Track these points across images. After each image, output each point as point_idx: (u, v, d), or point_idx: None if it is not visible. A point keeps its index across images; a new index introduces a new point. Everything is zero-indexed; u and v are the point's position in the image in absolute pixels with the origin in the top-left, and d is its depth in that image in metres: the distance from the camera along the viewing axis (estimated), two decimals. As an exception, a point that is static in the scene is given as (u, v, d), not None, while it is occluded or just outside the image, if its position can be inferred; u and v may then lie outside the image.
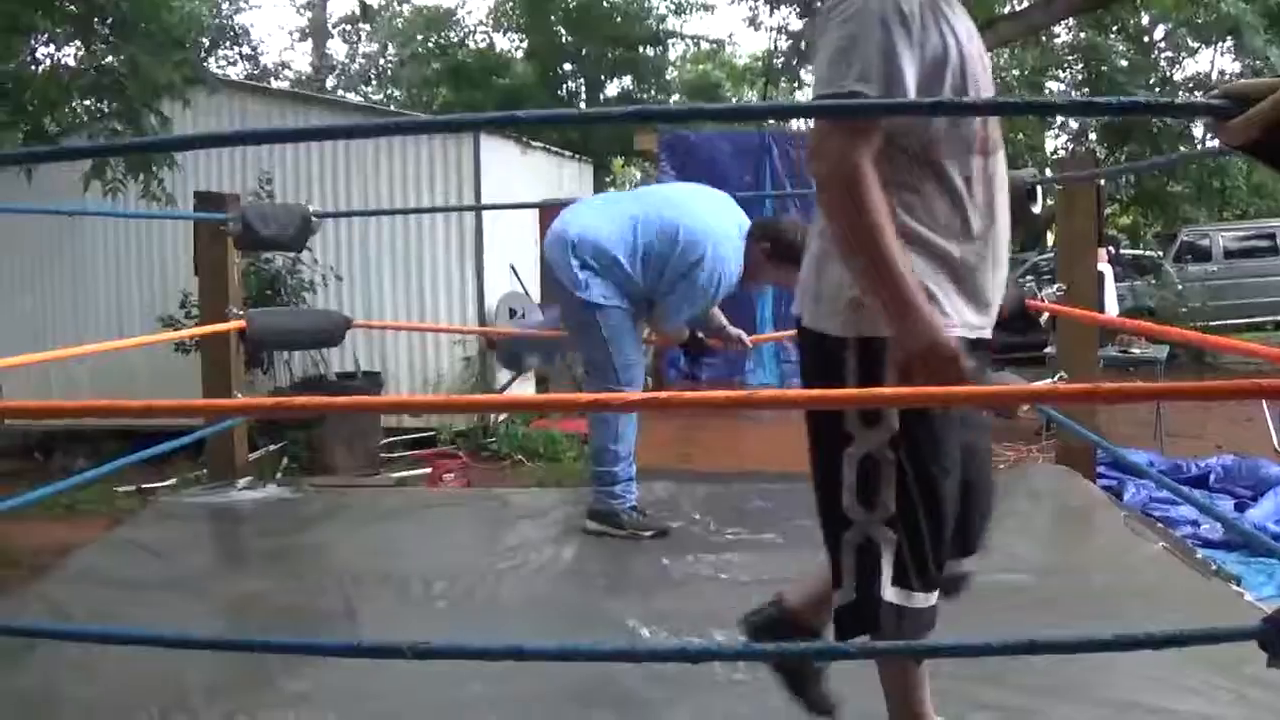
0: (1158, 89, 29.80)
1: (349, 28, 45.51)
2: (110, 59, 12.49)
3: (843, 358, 3.45)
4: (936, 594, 3.47)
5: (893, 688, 3.64)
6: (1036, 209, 4.79)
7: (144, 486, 13.40)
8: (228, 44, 33.34)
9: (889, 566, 3.44)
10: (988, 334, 3.50)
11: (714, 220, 6.98)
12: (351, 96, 37.92)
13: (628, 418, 7.06)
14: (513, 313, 16.00)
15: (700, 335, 7.34)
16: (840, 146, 3.23)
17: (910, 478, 3.42)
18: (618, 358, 6.95)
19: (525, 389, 16.72)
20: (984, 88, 3.45)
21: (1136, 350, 15.00)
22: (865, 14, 3.23)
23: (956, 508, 3.47)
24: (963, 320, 3.39)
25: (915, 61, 3.25)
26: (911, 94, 3.23)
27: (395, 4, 44.01)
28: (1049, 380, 7.59)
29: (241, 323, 8.18)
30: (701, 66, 40.23)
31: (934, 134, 3.36)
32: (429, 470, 12.86)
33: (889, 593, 3.45)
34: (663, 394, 2.89)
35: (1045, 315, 9.28)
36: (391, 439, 14.80)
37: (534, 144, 19.21)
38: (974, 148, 3.39)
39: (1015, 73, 31.80)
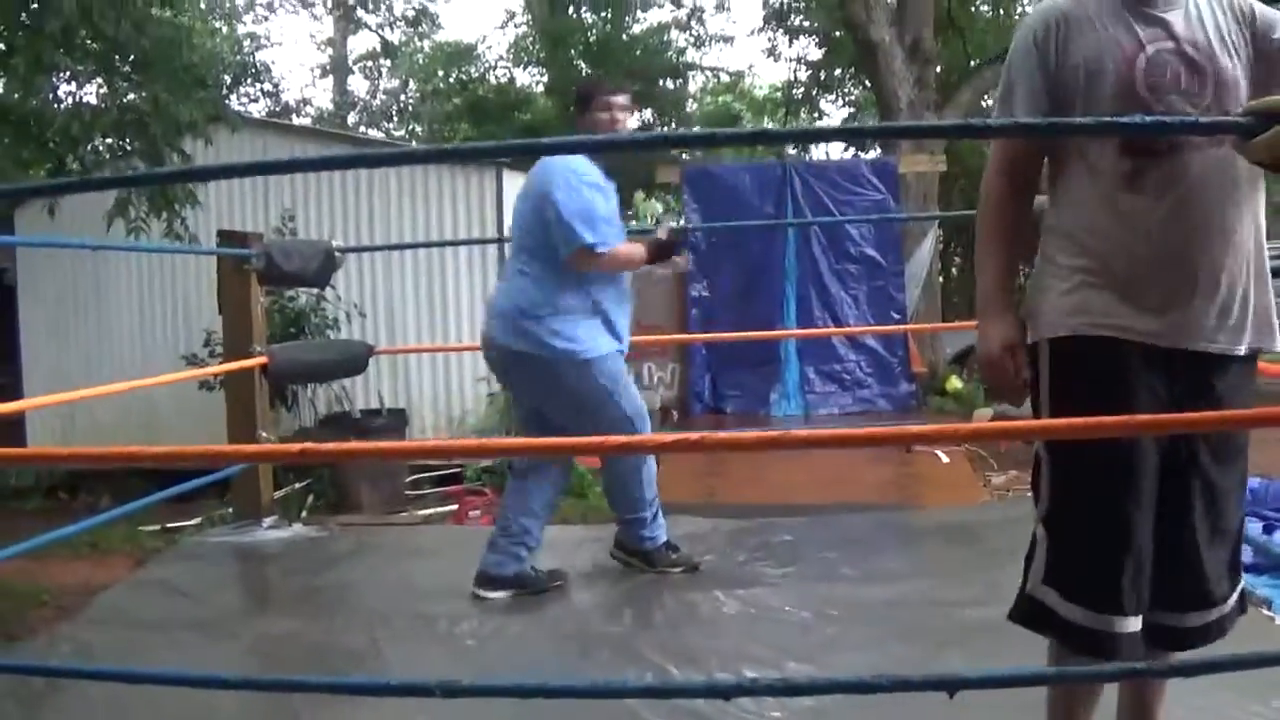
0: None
1: (370, 64, 45.63)
2: (132, 96, 12.51)
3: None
4: (1117, 620, 3.42)
5: (1050, 712, 3.71)
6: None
7: (169, 526, 13.38)
8: (249, 81, 33.50)
9: (1041, 562, 3.56)
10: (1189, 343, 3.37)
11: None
12: (373, 133, 38.02)
13: (650, 459, 6.83)
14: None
15: (658, 236, 6.99)
16: (989, 167, 3.66)
17: (1052, 474, 3.53)
18: (628, 406, 6.58)
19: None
20: (1168, 83, 3.35)
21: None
22: (1012, 47, 3.62)
23: (1127, 530, 3.39)
24: (1116, 323, 3.39)
25: (1034, 80, 3.48)
26: (1025, 108, 3.50)
27: (416, 40, 44.14)
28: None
29: (264, 359, 8.18)
30: (721, 98, 40.25)
31: (1081, 140, 3.48)
32: (455, 507, 12.81)
33: (1038, 589, 3.55)
34: (694, 435, 2.86)
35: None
36: (417, 475, 14.75)
37: (557, 179, 19.18)
38: (1131, 148, 3.34)
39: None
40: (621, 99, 6.87)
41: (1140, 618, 3.44)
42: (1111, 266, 3.37)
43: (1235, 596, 3.58)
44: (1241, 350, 3.40)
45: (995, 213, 3.62)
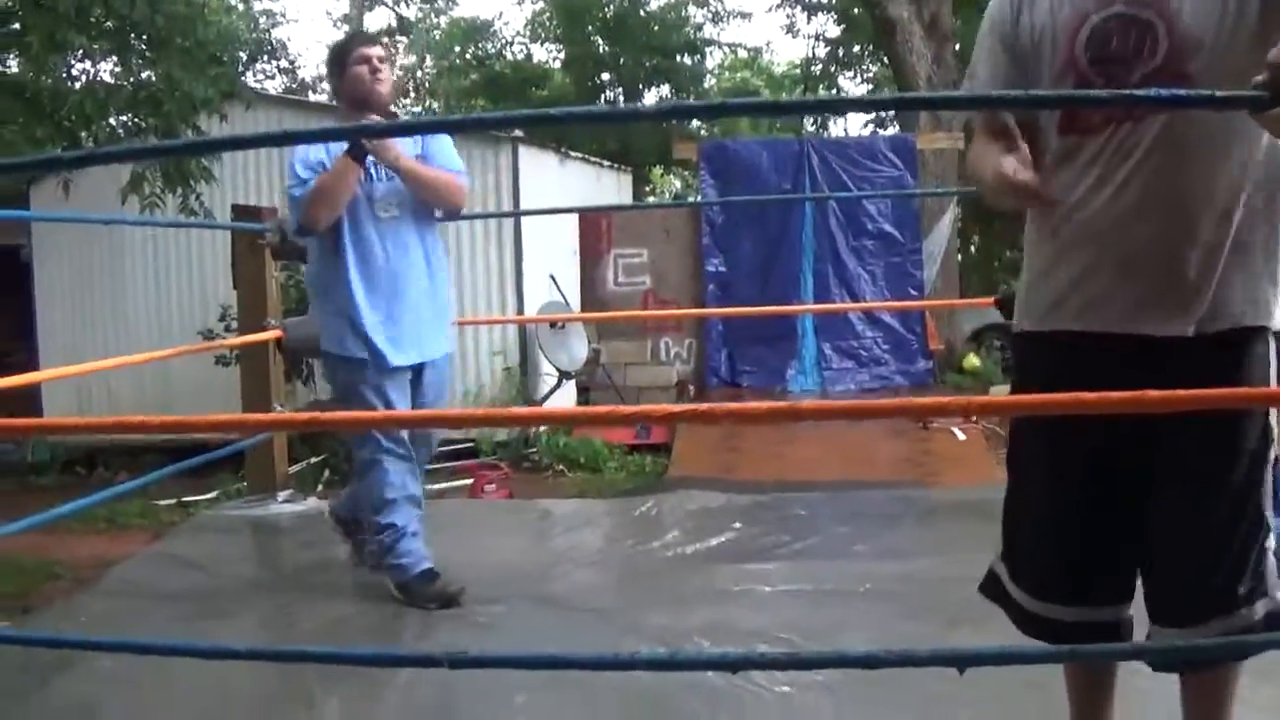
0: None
1: (386, 40, 45.55)
2: (147, 74, 12.51)
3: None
4: (1057, 608, 3.41)
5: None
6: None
7: (185, 499, 13.40)
8: (265, 58, 33.49)
9: (999, 539, 3.61)
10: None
11: None
12: (391, 109, 37.99)
13: (393, 499, 6.27)
14: (552, 326, 15.97)
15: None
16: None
17: (1006, 457, 3.60)
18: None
19: (566, 400, 16.70)
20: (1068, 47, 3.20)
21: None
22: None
23: (1055, 519, 3.36)
24: (1051, 315, 3.34)
25: (995, 53, 3.42)
26: (981, 81, 3.50)
27: (432, 16, 44.07)
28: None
29: (279, 332, 8.18)
30: (740, 74, 40.16)
31: (1032, 120, 3.39)
32: (470, 481, 12.81)
33: (997, 565, 3.60)
34: (703, 406, 2.86)
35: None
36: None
37: (573, 153, 19.24)
38: (1068, 125, 3.24)
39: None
40: (376, 50, 6.37)
41: (1106, 610, 3.38)
42: (1054, 253, 3.31)
43: (1259, 613, 3.24)
44: (1189, 332, 3.14)
45: (977, 169, 3.47)
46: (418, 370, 6.46)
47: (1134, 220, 3.13)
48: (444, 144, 6.56)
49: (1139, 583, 3.39)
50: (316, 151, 6.26)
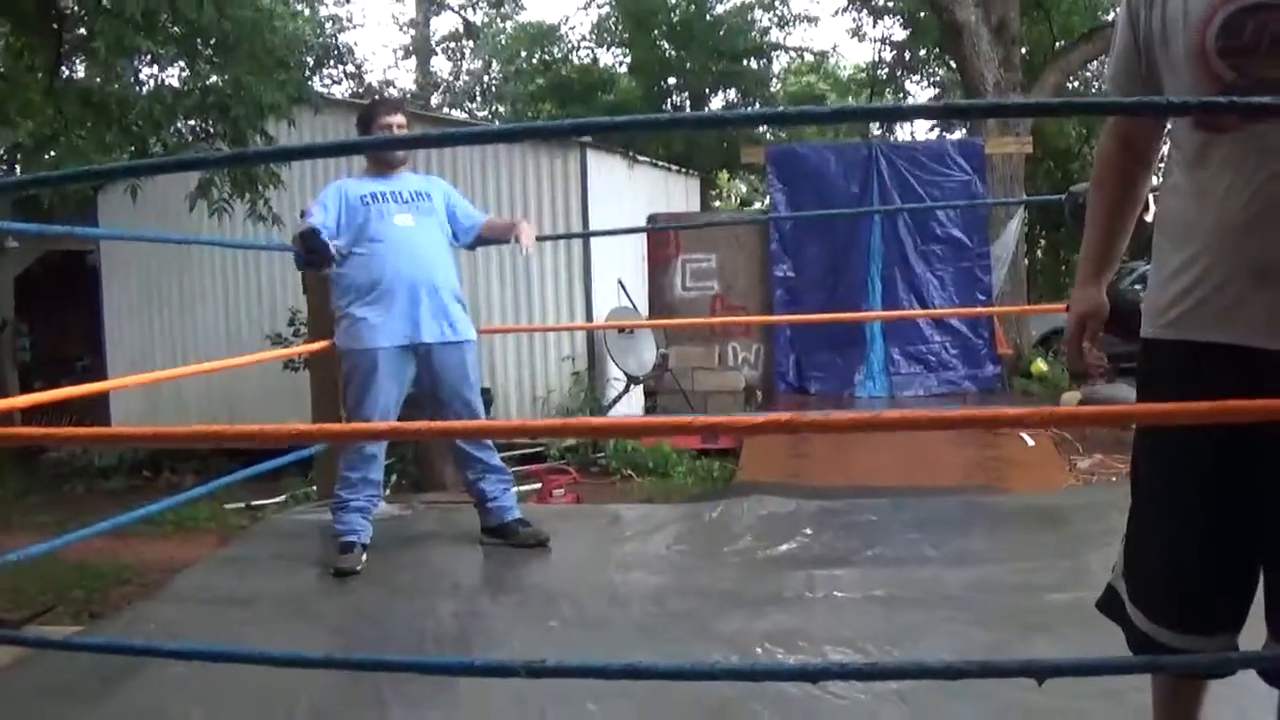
0: None
1: (453, 45, 45.69)
2: (214, 79, 12.57)
3: None
4: (1168, 634, 3.24)
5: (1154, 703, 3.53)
6: (1149, 217, 4.71)
7: (253, 503, 13.46)
8: (332, 63, 33.58)
9: (1120, 555, 3.49)
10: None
11: None
12: (456, 113, 38.05)
13: (369, 454, 7.15)
14: (620, 331, 15.97)
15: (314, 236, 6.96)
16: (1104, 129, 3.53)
17: (1130, 471, 3.42)
18: (353, 405, 7.17)
19: (634, 405, 16.71)
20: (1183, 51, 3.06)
21: None
22: None
23: (1175, 543, 3.21)
24: (1183, 324, 3.14)
25: (1123, 52, 3.28)
26: (1119, 81, 3.32)
27: (499, 21, 44.17)
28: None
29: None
30: (805, 79, 40.08)
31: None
32: (538, 486, 12.84)
33: (1117, 581, 3.47)
34: (784, 416, 2.81)
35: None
36: (501, 455, 14.91)
37: (641, 158, 19.24)
38: (1202, 121, 3.06)
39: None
40: (397, 118, 7.29)
41: (1218, 639, 3.21)
42: (1188, 258, 3.10)
43: None
44: None
45: (1100, 174, 3.47)
46: (423, 355, 7.09)
47: (1271, 225, 2.94)
48: (462, 199, 7.72)
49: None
50: (336, 197, 7.15)
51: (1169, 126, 3.35)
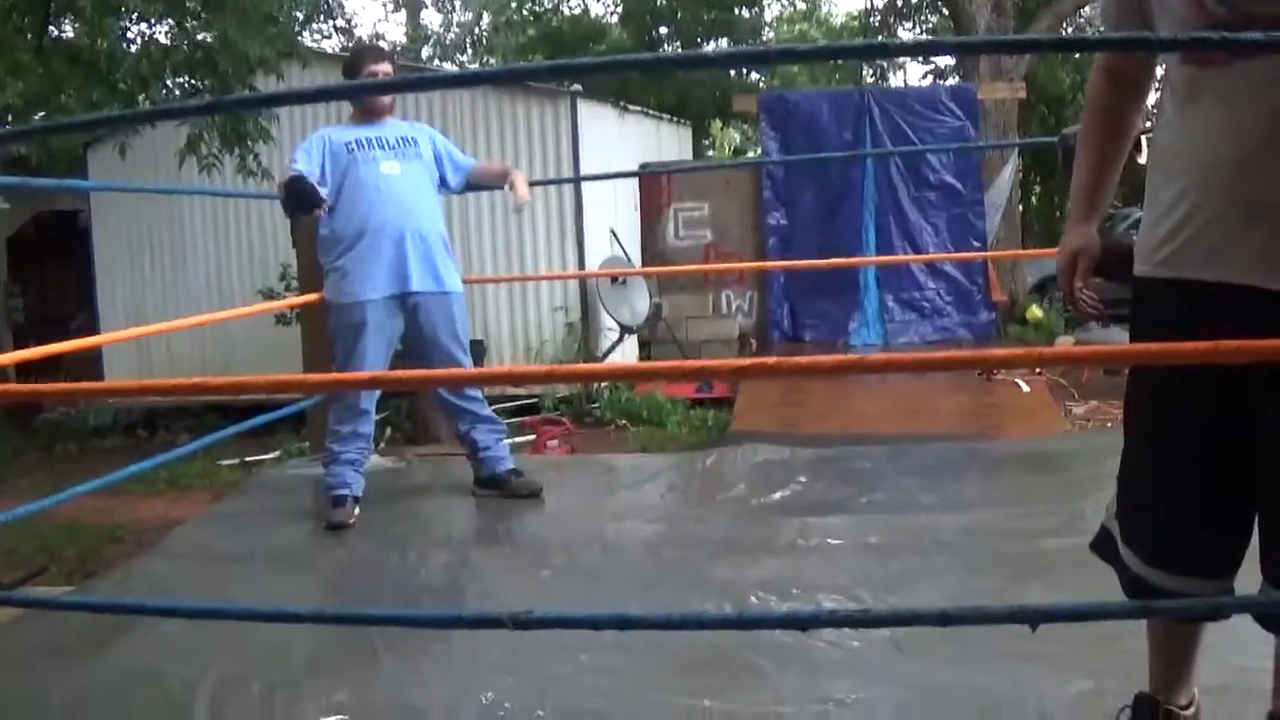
0: None
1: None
2: (203, 36, 12.52)
3: None
4: (1161, 575, 3.21)
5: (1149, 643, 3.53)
6: (1141, 159, 4.67)
7: (247, 459, 13.46)
8: (321, 17, 33.46)
9: (1113, 496, 3.45)
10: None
11: None
12: (447, 66, 37.95)
13: (360, 405, 7.14)
14: (613, 280, 15.95)
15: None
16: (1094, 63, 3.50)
17: (1123, 412, 3.43)
18: (342, 359, 7.16)
19: (628, 355, 16.70)
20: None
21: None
22: None
23: (1169, 483, 3.17)
24: (1171, 262, 3.08)
25: None
26: (1109, 13, 3.29)
27: (489, -29, 44.08)
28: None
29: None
30: (798, 27, 40.01)
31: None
32: (532, 437, 12.83)
33: (1110, 522, 3.44)
34: (769, 360, 2.79)
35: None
36: (494, 406, 14.90)
37: (631, 107, 19.21)
38: (1189, 55, 3.00)
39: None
40: (384, 66, 7.18)
41: (1213, 583, 3.18)
42: (1178, 194, 3.05)
43: None
44: None
45: (1089, 110, 3.44)
46: (411, 307, 7.04)
47: (1261, 161, 2.86)
48: (450, 144, 7.75)
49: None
50: (319, 144, 7.07)
51: (1160, 63, 3.31)
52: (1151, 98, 3.53)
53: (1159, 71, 3.38)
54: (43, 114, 13.55)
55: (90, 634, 4.95)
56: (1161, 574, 3.20)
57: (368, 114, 7.19)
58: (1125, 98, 3.38)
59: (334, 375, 6.41)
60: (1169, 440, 3.17)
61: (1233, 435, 3.03)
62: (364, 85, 7.08)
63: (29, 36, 12.95)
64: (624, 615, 2.97)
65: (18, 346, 19.36)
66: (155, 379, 15.95)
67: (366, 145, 7.03)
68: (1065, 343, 15.94)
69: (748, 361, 2.77)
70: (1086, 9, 25.61)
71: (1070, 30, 27.75)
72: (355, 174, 6.97)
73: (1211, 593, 3.19)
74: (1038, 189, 31.21)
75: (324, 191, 6.78)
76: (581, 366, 9.35)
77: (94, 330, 17.81)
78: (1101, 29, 3.37)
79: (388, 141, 7.10)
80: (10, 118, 18.79)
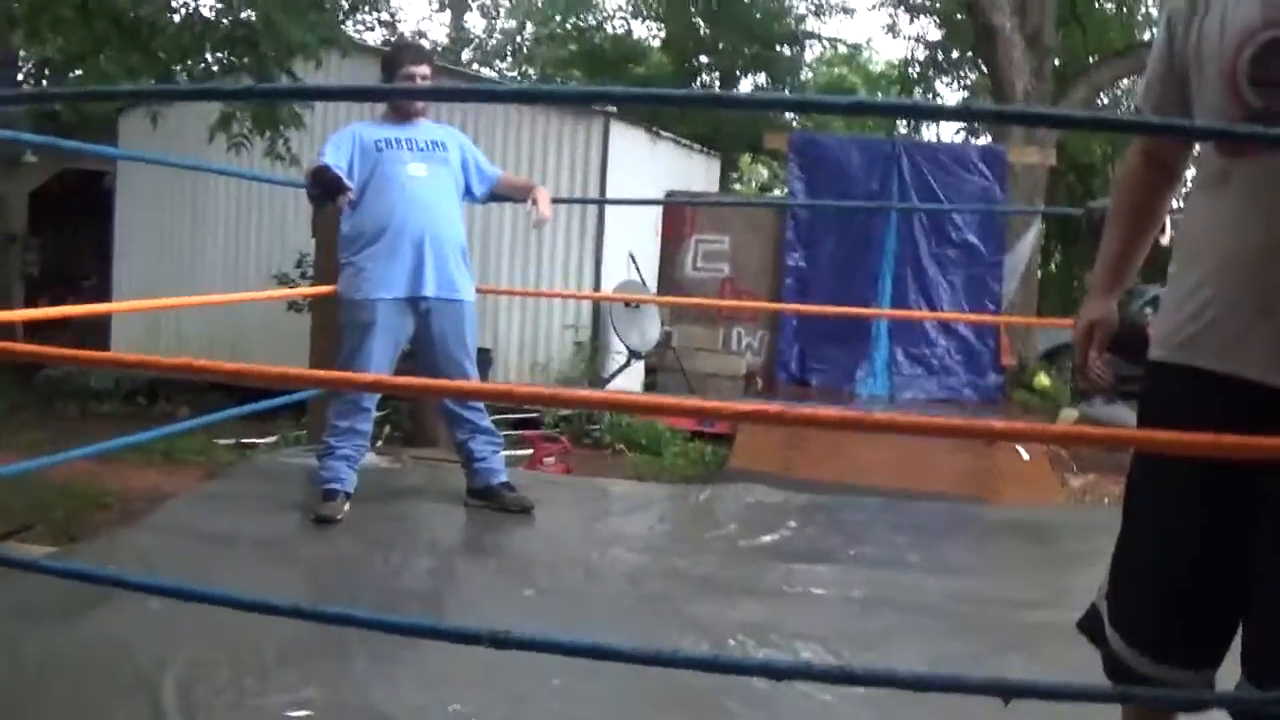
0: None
1: (488, 2, 45.63)
2: (247, 14, 12.54)
3: None
4: (1146, 662, 3.20)
5: None
6: (1165, 240, 4.67)
7: (244, 441, 13.46)
8: (366, 8, 33.52)
9: (1105, 576, 3.42)
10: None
11: None
12: (486, 71, 37.99)
13: (362, 405, 7.16)
14: (626, 305, 15.95)
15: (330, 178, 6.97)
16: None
17: (1123, 493, 3.38)
18: (348, 355, 7.14)
19: (634, 379, 16.71)
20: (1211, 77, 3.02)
21: None
22: None
23: (1161, 570, 3.15)
24: (1186, 350, 3.08)
25: (1157, 67, 3.25)
26: (1150, 95, 3.28)
27: (537, -18, 44.15)
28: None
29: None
30: (837, 70, 40.07)
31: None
32: (530, 452, 12.83)
33: (1100, 602, 3.41)
34: (773, 408, 2.78)
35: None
36: (495, 417, 14.89)
37: (664, 133, 19.20)
38: (1223, 143, 3.01)
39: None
40: (422, 69, 7.14)
41: (1193, 673, 3.16)
42: (1198, 281, 3.05)
43: None
44: None
45: (1121, 186, 3.48)
46: (423, 311, 7.06)
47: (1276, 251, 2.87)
48: (479, 152, 7.70)
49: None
50: (350, 139, 7.08)
51: (1196, 148, 3.32)
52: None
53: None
54: (80, 72, 13.58)
55: (67, 598, 4.95)
56: (1144, 659, 3.19)
57: (400, 113, 7.19)
58: (1159, 179, 3.41)
59: (339, 374, 6.41)
60: (1165, 527, 3.15)
61: (1229, 530, 3.01)
62: (397, 89, 7.11)
63: (74, -7, 12.99)
64: (601, 645, 2.98)
65: (29, 301, 19.47)
66: (162, 351, 16.04)
67: (396, 145, 7.03)
68: (1070, 415, 15.91)
69: (751, 407, 2.78)
70: (1125, 80, 25.63)
71: (1105, 100, 27.78)
72: (382, 172, 6.97)
73: (1192, 683, 3.17)
74: (1057, 256, 31.20)
75: (350, 184, 6.79)
76: (586, 394, 9.35)
77: (106, 293, 17.89)
78: (1139, 103, 3.36)
79: (417, 143, 7.10)
80: (48, 71, 18.80)
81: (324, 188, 6.78)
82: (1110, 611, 3.31)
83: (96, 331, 17.41)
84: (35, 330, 16.33)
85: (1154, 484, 3.19)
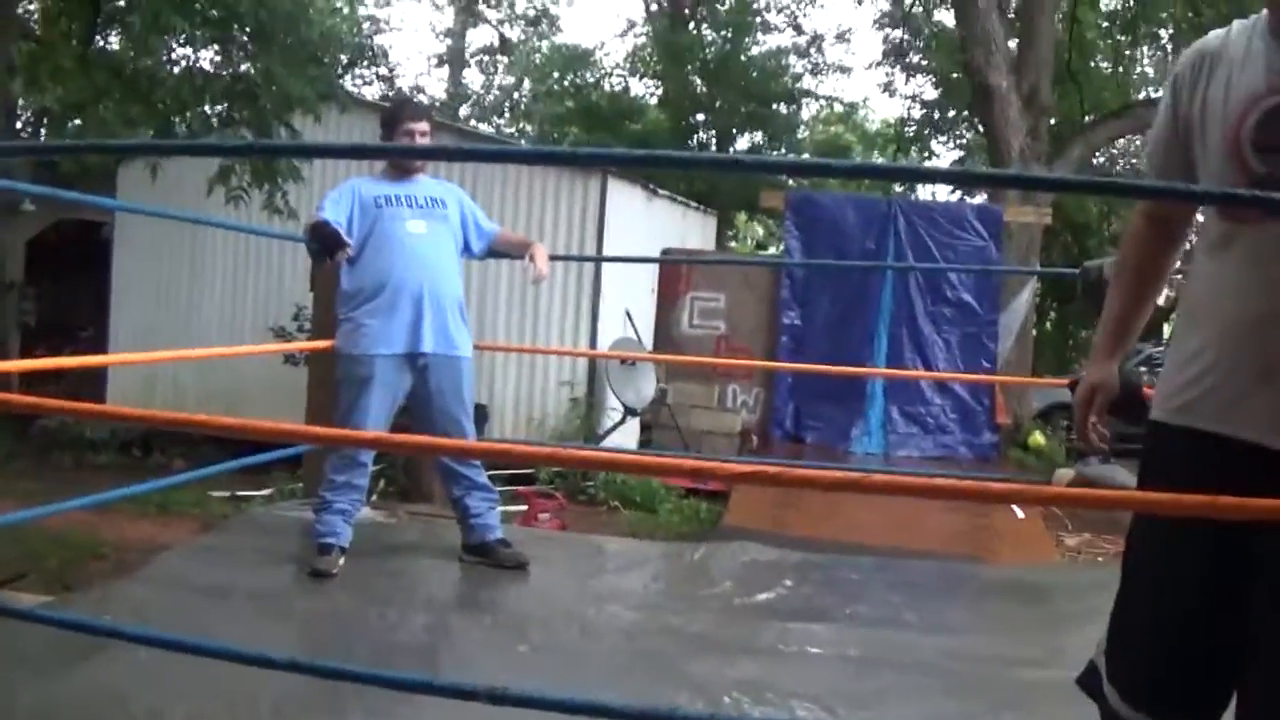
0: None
1: (487, 59, 45.86)
2: (246, 66, 12.60)
3: None
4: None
5: None
6: (1160, 301, 4.68)
7: (238, 493, 13.45)
8: (365, 63, 33.66)
9: (1104, 633, 3.42)
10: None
11: None
12: (483, 127, 38.13)
13: (360, 460, 7.15)
14: (622, 362, 15.97)
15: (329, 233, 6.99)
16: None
17: (1123, 550, 3.40)
18: (345, 410, 7.10)
19: (629, 436, 16.70)
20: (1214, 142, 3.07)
21: None
22: None
23: (1160, 629, 3.16)
24: (1186, 413, 3.11)
25: (1161, 131, 3.27)
26: (1155, 158, 3.30)
27: (535, 39, 44.32)
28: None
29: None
30: (833, 128, 40.22)
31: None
32: (525, 508, 12.80)
33: (1099, 657, 3.40)
34: (770, 468, 2.79)
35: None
36: (490, 473, 14.89)
37: (660, 191, 19.26)
38: (1224, 212, 3.06)
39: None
40: (421, 125, 7.18)
41: None
42: (1200, 345, 3.09)
43: None
44: None
45: (1127, 249, 3.52)
46: (421, 367, 7.06)
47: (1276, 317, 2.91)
48: (477, 208, 7.74)
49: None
50: (349, 195, 7.11)
51: (1199, 212, 3.35)
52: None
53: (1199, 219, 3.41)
54: (79, 121, 13.62)
55: (63, 648, 4.94)
56: (1141, 715, 3.20)
57: (399, 170, 7.22)
58: (1163, 242, 3.45)
59: (337, 431, 6.41)
60: (1162, 586, 3.16)
61: (1227, 589, 3.02)
62: (397, 149, 7.15)
63: (74, 43, 13.04)
64: (597, 702, 2.98)
65: (26, 351, 19.46)
66: (158, 403, 16.04)
67: (395, 202, 7.06)
68: (1065, 474, 15.87)
69: (750, 468, 2.79)
70: (1121, 140, 25.71)
71: (1102, 160, 27.86)
72: (381, 229, 6.99)
73: None
74: (1053, 315, 31.28)
75: (349, 240, 6.80)
76: (585, 453, 9.39)
77: (102, 344, 17.92)
78: (1144, 167, 3.39)
79: (416, 200, 7.13)
80: (47, 121, 18.86)
81: (323, 243, 6.80)
82: (1108, 668, 3.32)
83: (93, 382, 17.45)
84: (31, 380, 16.33)
85: (1152, 542, 3.22)
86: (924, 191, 32.65)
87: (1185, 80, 3.14)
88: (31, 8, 16.89)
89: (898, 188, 30.90)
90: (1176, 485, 2.87)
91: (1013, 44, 21.89)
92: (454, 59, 45.24)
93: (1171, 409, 3.14)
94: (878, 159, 38.22)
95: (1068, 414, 3.78)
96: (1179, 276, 3.63)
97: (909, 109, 35.26)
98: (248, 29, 12.59)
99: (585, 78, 38.95)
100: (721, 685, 5.26)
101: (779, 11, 37.71)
